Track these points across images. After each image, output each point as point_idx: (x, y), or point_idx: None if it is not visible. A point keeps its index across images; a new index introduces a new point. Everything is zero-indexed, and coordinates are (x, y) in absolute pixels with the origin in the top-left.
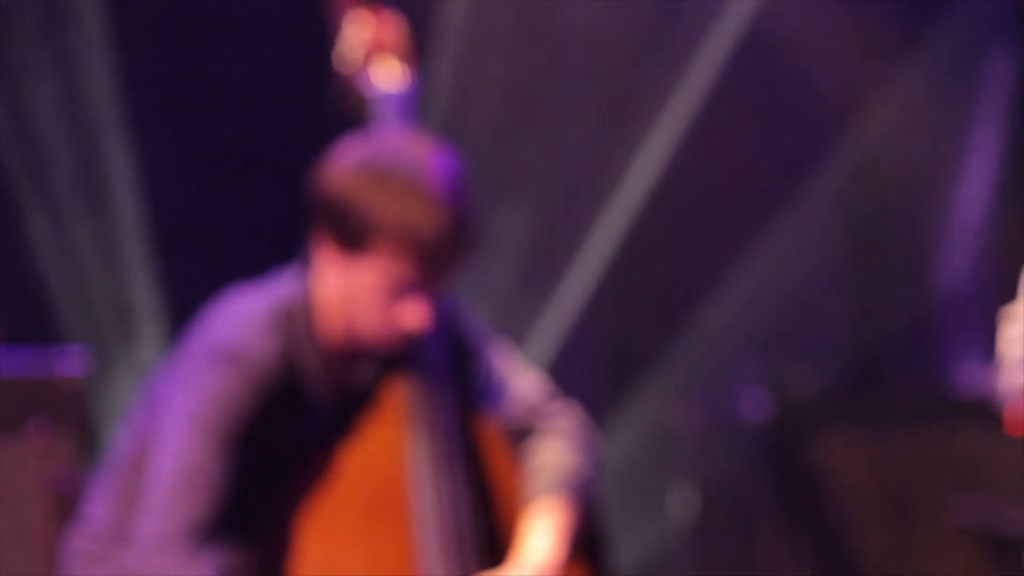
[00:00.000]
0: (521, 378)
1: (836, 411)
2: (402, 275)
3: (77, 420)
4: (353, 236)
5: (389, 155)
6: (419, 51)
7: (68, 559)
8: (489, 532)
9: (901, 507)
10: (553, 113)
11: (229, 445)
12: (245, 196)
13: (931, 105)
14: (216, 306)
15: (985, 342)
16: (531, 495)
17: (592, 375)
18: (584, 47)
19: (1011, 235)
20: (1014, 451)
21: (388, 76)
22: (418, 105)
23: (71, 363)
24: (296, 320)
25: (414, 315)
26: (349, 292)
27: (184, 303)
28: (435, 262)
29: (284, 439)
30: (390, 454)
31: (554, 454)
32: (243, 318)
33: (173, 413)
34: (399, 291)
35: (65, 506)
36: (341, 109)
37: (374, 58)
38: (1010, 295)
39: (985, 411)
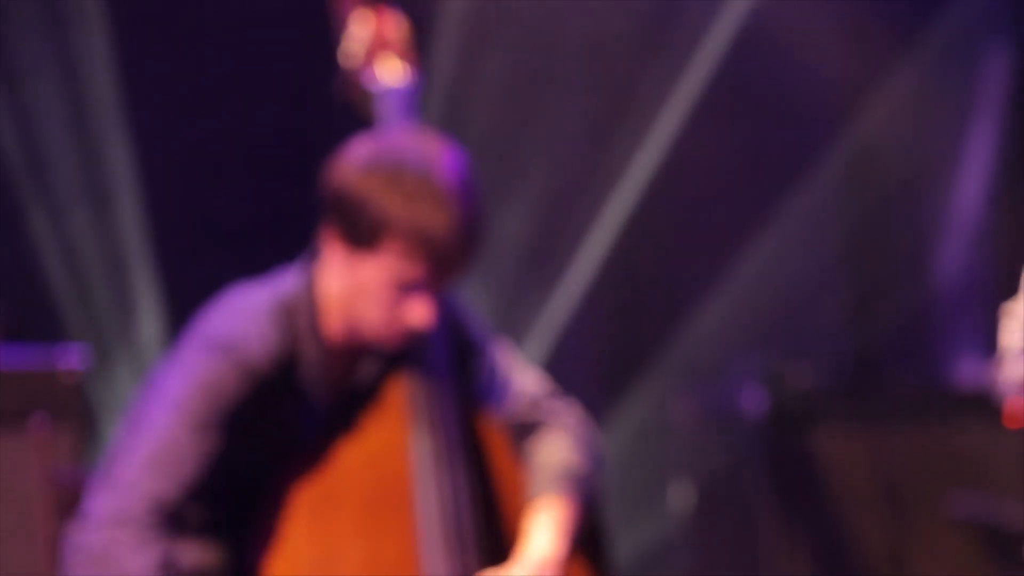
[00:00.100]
0: (523, 375)
1: (834, 406)
2: (411, 274)
3: (77, 414)
4: (364, 234)
5: (401, 154)
6: (420, 49)
7: (68, 554)
8: (491, 529)
9: (898, 501)
10: (549, 111)
11: (210, 432)
12: (246, 193)
13: (928, 100)
14: (218, 300)
15: (982, 337)
16: (533, 492)
17: (591, 370)
18: (582, 44)
19: (1008, 230)
20: (1011, 446)
21: (390, 72)
22: (419, 102)
23: (71, 359)
24: (299, 315)
25: (419, 314)
26: (356, 289)
27: (184, 300)
28: (445, 262)
29: (282, 432)
30: (392, 450)
31: (556, 451)
32: (243, 311)
33: (158, 395)
34: (406, 290)
35: (66, 501)
36: (345, 105)
37: (377, 55)
38: (1007, 290)
39: (982, 406)
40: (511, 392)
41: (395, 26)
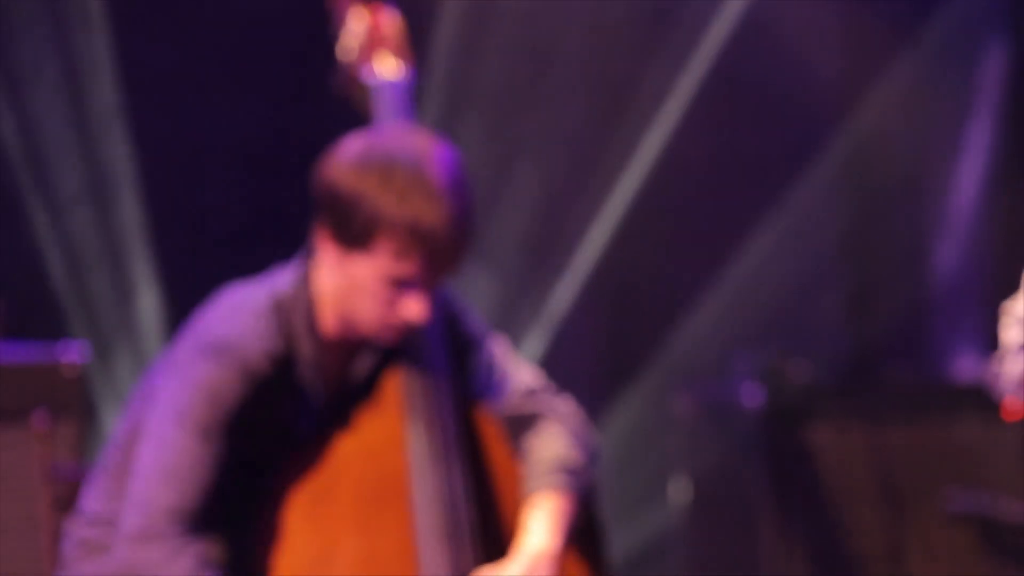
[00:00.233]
0: (519, 370)
1: (831, 402)
2: (405, 271)
3: (78, 410)
4: (356, 233)
5: (392, 151)
6: (419, 47)
7: (67, 550)
8: (488, 523)
9: (895, 497)
10: (549, 105)
11: (217, 437)
12: (245, 191)
13: (926, 97)
14: (214, 298)
15: (979, 333)
16: (529, 487)
17: (589, 367)
18: (579, 41)
19: (1005, 226)
20: (1008, 441)
21: (386, 68)
22: (417, 99)
23: (72, 354)
24: (295, 312)
25: (415, 309)
26: (350, 286)
27: (184, 297)
28: (438, 258)
29: (280, 430)
30: (389, 445)
31: (552, 445)
32: (238, 309)
33: (161, 405)
34: (400, 286)
35: (66, 496)
36: (343, 101)
37: (373, 51)
38: (1004, 286)
39: (979, 402)
40: (507, 387)
41: (390, 22)
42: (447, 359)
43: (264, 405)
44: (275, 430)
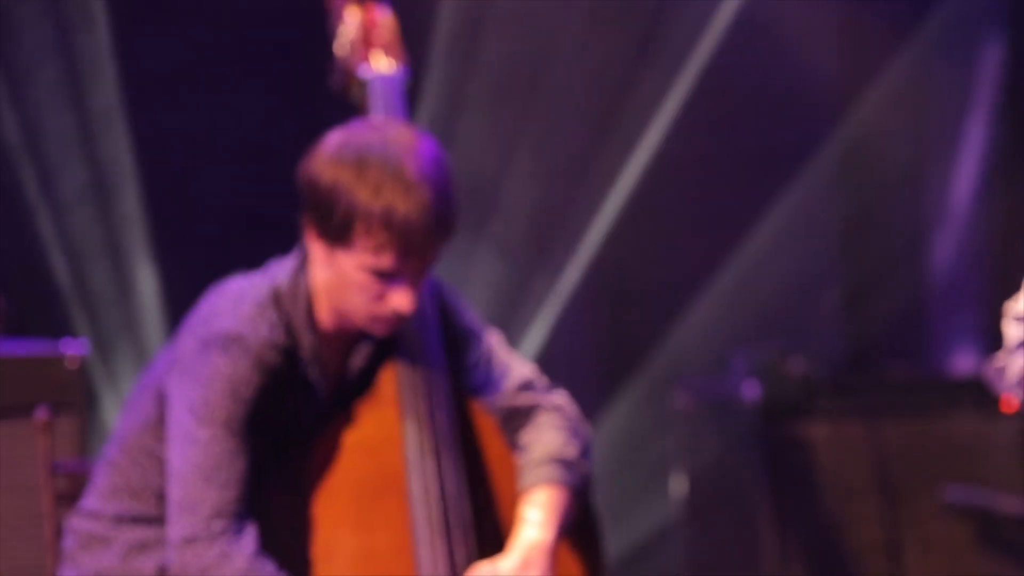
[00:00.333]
0: (514, 365)
1: (828, 397)
2: (384, 264)
3: (79, 404)
4: (337, 225)
5: (369, 144)
6: (416, 43)
7: (69, 543)
8: (484, 517)
9: (892, 491)
10: (544, 105)
11: (241, 427)
12: (245, 189)
13: (923, 93)
14: (213, 291)
15: (976, 328)
16: (524, 481)
17: (587, 362)
18: (577, 40)
19: (1002, 222)
20: (1005, 436)
21: (381, 64)
22: (412, 96)
23: (74, 350)
24: (293, 303)
25: (400, 301)
26: (338, 279)
27: (184, 293)
28: (416, 250)
29: (285, 422)
30: (386, 438)
31: (547, 439)
32: (241, 300)
33: (181, 405)
34: (385, 278)
35: (68, 490)
36: (339, 95)
37: (367, 47)
38: (1001, 282)
39: (977, 396)
40: (502, 381)
41: (384, 19)
42: (442, 353)
43: (273, 397)
44: (281, 423)
